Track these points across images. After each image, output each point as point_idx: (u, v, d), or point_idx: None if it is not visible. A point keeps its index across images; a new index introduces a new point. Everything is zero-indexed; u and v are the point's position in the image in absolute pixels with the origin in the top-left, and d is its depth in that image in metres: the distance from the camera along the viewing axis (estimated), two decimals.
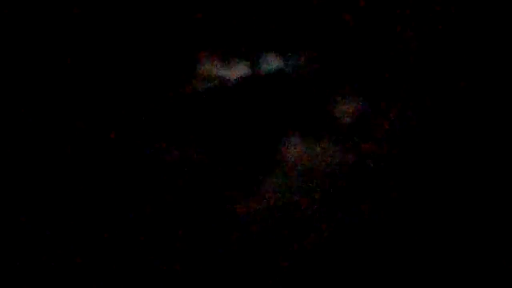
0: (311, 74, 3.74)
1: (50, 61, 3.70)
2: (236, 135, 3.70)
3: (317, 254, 3.52)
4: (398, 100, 3.65)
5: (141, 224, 3.55)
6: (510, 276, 3.42)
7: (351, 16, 3.73)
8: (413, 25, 3.70)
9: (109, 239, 3.53)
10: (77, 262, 3.50)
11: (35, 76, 3.69)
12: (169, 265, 3.50)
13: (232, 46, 3.80)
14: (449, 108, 3.63)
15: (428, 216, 3.53)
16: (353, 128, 3.65)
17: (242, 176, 3.62)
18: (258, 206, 3.57)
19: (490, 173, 3.54)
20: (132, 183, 3.61)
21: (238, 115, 3.73)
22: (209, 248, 3.52)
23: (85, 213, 3.56)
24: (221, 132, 3.70)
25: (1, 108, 3.63)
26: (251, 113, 3.72)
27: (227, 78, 3.79)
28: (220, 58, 3.79)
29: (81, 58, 3.71)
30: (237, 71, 3.79)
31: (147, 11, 3.77)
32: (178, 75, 3.77)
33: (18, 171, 3.59)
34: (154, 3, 3.75)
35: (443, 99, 3.64)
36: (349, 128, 3.65)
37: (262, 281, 3.50)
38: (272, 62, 3.79)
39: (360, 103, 3.67)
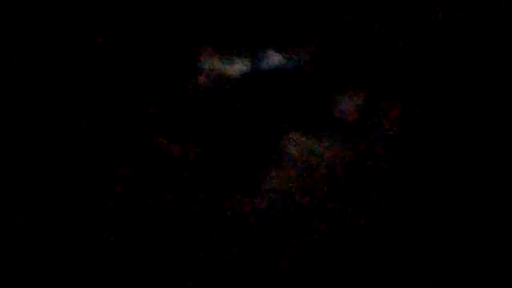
0: (313, 71, 3.72)
1: (49, 56, 3.68)
2: (236, 132, 3.69)
3: (317, 254, 3.52)
4: (399, 99, 3.64)
5: (140, 223, 3.54)
6: (510, 276, 3.43)
7: (353, 14, 3.71)
8: (414, 24, 3.68)
9: (108, 238, 3.53)
10: (76, 261, 3.50)
11: (35, 71, 3.67)
12: (168, 265, 3.51)
13: (232, 42, 3.78)
14: (450, 108, 3.62)
15: (429, 216, 3.54)
16: (354, 127, 3.64)
17: (241, 175, 3.62)
18: (258, 205, 3.57)
19: (491, 173, 3.54)
20: (131, 182, 3.60)
21: (238, 112, 3.72)
22: (209, 248, 3.53)
23: (82, 211, 3.56)
24: (221, 129, 3.69)
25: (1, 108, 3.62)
26: (251, 110, 3.71)
27: (228, 74, 3.77)
28: (220, 54, 3.77)
29: (81, 56, 3.69)
30: (238, 67, 3.77)
31: (147, 6, 3.74)
32: (178, 72, 3.75)
33: (17, 167, 3.58)
34: None
35: (445, 99, 3.64)
36: (350, 126, 3.64)
37: (262, 281, 3.50)
38: (273, 59, 3.77)
39: (362, 101, 3.66)
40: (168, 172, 3.60)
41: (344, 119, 3.66)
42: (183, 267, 3.50)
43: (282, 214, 3.56)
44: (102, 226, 3.52)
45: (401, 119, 3.62)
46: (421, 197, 3.55)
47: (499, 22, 3.65)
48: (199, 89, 3.73)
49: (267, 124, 3.68)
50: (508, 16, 3.65)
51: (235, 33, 3.79)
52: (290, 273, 3.49)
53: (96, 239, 3.51)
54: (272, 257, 3.51)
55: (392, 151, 3.60)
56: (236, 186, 3.58)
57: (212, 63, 3.76)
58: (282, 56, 3.75)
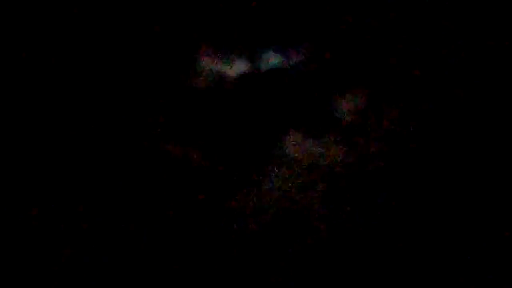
0: (312, 72, 3.72)
1: (48, 56, 3.68)
2: (236, 132, 3.69)
3: (317, 254, 3.52)
4: (399, 100, 3.64)
5: (139, 223, 3.54)
6: (510, 276, 3.43)
7: (352, 15, 3.71)
8: (414, 25, 3.68)
9: (108, 238, 3.52)
10: (75, 260, 3.50)
11: (34, 72, 3.67)
12: (168, 264, 3.50)
13: (232, 42, 3.78)
14: (450, 108, 3.62)
15: (429, 216, 3.54)
16: (354, 127, 3.64)
17: (241, 175, 3.61)
18: (257, 205, 3.57)
19: (491, 174, 3.54)
20: (130, 181, 3.60)
21: (238, 112, 3.72)
22: (209, 248, 3.52)
23: (83, 211, 3.55)
24: (220, 129, 3.69)
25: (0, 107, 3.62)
26: (251, 111, 3.70)
27: (227, 74, 3.77)
28: (220, 54, 3.77)
29: (80, 55, 3.69)
30: (238, 68, 3.77)
31: (147, 6, 3.74)
32: (178, 72, 3.75)
33: (18, 168, 3.58)
34: None
35: (445, 99, 3.64)
36: (350, 127, 3.64)
37: (262, 280, 3.50)
38: (272, 59, 3.77)
39: (362, 102, 3.66)
40: (169, 172, 3.60)
41: (344, 119, 3.66)
42: (184, 266, 3.49)
43: (282, 214, 3.55)
44: (103, 226, 3.52)
45: (401, 119, 3.62)
46: (421, 197, 3.54)
47: (498, 22, 3.65)
48: (200, 89, 3.73)
49: (268, 124, 3.68)
50: (508, 16, 3.65)
51: (235, 34, 3.79)
52: (290, 272, 3.49)
53: (97, 238, 3.51)
54: (272, 257, 3.50)
55: (391, 151, 3.60)
56: (237, 186, 3.58)
57: (213, 64, 3.76)
58: (282, 56, 3.75)
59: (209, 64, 3.76)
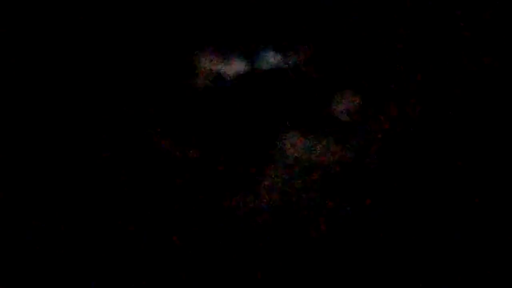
0: (311, 71, 3.72)
1: (47, 55, 3.67)
2: (234, 132, 3.69)
3: (316, 253, 3.53)
4: (399, 99, 3.65)
5: (139, 223, 3.54)
6: (510, 276, 3.45)
7: (351, 14, 3.71)
8: (413, 25, 3.69)
9: (107, 238, 3.52)
10: (75, 260, 3.50)
11: (34, 71, 3.66)
12: (167, 265, 3.50)
13: (230, 42, 3.78)
14: (450, 108, 3.63)
15: (428, 214, 3.55)
16: (353, 127, 3.65)
17: (240, 175, 3.62)
18: (256, 205, 3.57)
19: (491, 173, 3.56)
20: (128, 181, 3.60)
21: (236, 112, 3.72)
22: (208, 248, 3.53)
23: (81, 212, 3.55)
24: (220, 129, 3.69)
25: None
26: (250, 111, 3.71)
27: (225, 74, 3.76)
28: (218, 54, 3.77)
29: (79, 55, 3.68)
30: (236, 67, 3.77)
31: (145, 6, 3.73)
32: (177, 72, 3.75)
33: (17, 168, 3.58)
34: None
35: (444, 99, 3.65)
36: (349, 127, 3.65)
37: (262, 280, 3.51)
38: (271, 59, 3.77)
39: (360, 101, 3.66)
40: (168, 172, 3.60)
41: (343, 119, 3.66)
42: (182, 267, 3.49)
43: (282, 214, 3.56)
44: (101, 227, 3.51)
45: (401, 119, 3.63)
46: (421, 197, 3.55)
47: (498, 22, 3.66)
48: (198, 89, 3.73)
49: (266, 124, 3.68)
50: (507, 16, 3.66)
51: (233, 33, 3.78)
52: (290, 272, 3.49)
53: (95, 239, 3.51)
54: (272, 257, 3.51)
55: (391, 151, 3.61)
56: (236, 186, 3.58)
57: (210, 63, 3.75)
58: (281, 56, 3.75)
59: (207, 63, 3.76)
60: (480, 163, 3.56)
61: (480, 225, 3.51)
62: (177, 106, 3.69)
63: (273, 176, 3.60)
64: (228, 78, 3.74)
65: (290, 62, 3.75)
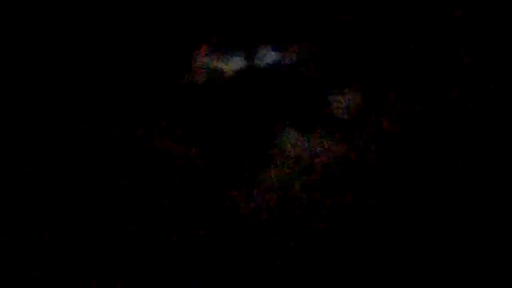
0: (310, 70, 3.72)
1: (47, 55, 3.65)
2: (233, 129, 3.68)
3: (316, 252, 3.53)
4: (398, 99, 3.65)
5: (139, 223, 3.53)
6: (510, 276, 3.46)
7: (350, 14, 3.70)
8: (411, 23, 3.68)
9: (108, 239, 3.51)
10: (75, 260, 3.49)
11: (33, 70, 3.64)
12: (168, 264, 3.50)
13: (228, 39, 3.77)
14: (449, 107, 3.64)
15: (427, 213, 3.55)
16: (353, 126, 3.65)
17: (240, 174, 3.61)
18: (256, 204, 3.57)
19: (490, 173, 3.56)
20: (128, 180, 3.58)
21: (234, 109, 3.71)
22: (208, 247, 3.52)
23: (82, 212, 3.54)
24: (218, 128, 3.68)
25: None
26: (249, 109, 3.70)
27: (223, 71, 3.75)
28: (216, 51, 3.75)
29: (77, 53, 3.66)
30: (233, 64, 3.76)
31: (144, 4, 3.71)
32: (174, 68, 3.73)
33: (17, 168, 3.56)
34: None
35: (443, 98, 3.65)
36: (349, 126, 3.65)
37: (262, 279, 3.51)
38: (268, 56, 3.76)
39: (360, 100, 3.66)
40: (168, 172, 3.58)
41: (343, 118, 3.66)
42: (183, 265, 3.49)
43: (282, 213, 3.56)
44: (101, 227, 3.50)
45: (400, 119, 3.63)
46: (420, 197, 3.56)
47: (497, 22, 3.66)
48: (197, 87, 3.72)
49: (266, 123, 3.67)
50: (507, 17, 3.66)
51: (231, 30, 3.77)
52: (290, 270, 3.50)
53: (95, 239, 3.50)
54: (272, 255, 3.51)
55: (391, 151, 3.61)
56: (236, 186, 3.58)
57: (209, 62, 3.74)
58: (280, 54, 3.74)
59: (206, 60, 3.74)
60: (480, 163, 3.57)
61: (480, 225, 3.52)
62: (176, 105, 3.68)
63: (273, 176, 3.59)
64: (226, 75, 3.73)
65: (289, 61, 3.74)
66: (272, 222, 3.54)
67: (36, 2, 3.65)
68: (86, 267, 3.47)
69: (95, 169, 3.58)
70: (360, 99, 3.67)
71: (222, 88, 3.73)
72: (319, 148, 3.63)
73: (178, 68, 3.74)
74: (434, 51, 3.68)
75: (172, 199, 3.56)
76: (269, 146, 3.64)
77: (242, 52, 3.76)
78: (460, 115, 3.63)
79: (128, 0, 3.71)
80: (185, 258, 3.49)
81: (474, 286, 3.45)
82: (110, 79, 3.67)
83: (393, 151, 3.62)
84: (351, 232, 3.54)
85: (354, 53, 3.70)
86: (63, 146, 3.58)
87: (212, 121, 3.68)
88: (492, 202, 3.55)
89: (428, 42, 3.68)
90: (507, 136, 3.59)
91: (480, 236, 3.51)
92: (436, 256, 3.51)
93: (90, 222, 3.51)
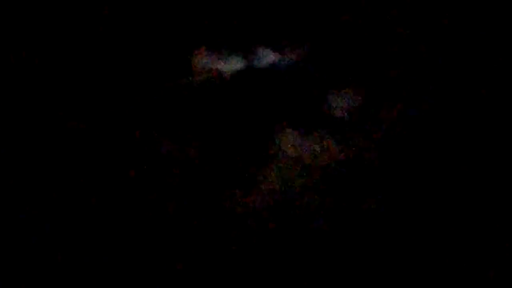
0: (310, 70, 3.71)
1: (47, 55, 3.65)
2: (232, 129, 3.68)
3: (316, 252, 3.52)
4: (398, 99, 3.65)
5: (138, 223, 3.52)
6: (510, 276, 3.46)
7: (349, 12, 3.70)
8: (411, 23, 3.68)
9: (107, 238, 3.51)
10: (75, 261, 3.48)
11: (33, 70, 3.64)
12: (168, 264, 3.49)
13: (227, 40, 3.76)
14: (449, 107, 3.64)
15: (427, 213, 3.55)
16: (353, 126, 3.64)
17: (240, 175, 3.61)
18: (256, 204, 3.56)
19: (490, 173, 3.56)
20: (127, 180, 3.58)
21: (233, 109, 3.70)
22: (208, 247, 3.52)
23: (80, 211, 3.53)
24: (216, 126, 3.68)
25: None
26: (246, 108, 3.69)
27: (222, 71, 3.75)
28: (215, 51, 3.75)
29: (77, 53, 3.66)
30: (232, 65, 3.76)
31: (143, 4, 3.71)
32: (173, 69, 3.73)
33: (17, 168, 3.56)
34: None
35: (443, 98, 3.65)
36: (349, 126, 3.64)
37: (262, 279, 3.50)
38: (267, 56, 3.75)
39: (360, 101, 3.66)
40: (168, 172, 3.58)
41: (342, 118, 3.66)
42: (183, 266, 3.48)
43: (281, 213, 3.56)
44: (102, 226, 3.50)
45: (400, 118, 3.63)
46: (420, 196, 3.56)
47: (498, 20, 3.66)
48: (195, 88, 3.72)
49: (265, 123, 3.67)
50: (506, 18, 3.66)
51: (230, 31, 3.77)
52: (290, 270, 3.49)
53: (95, 239, 3.49)
54: (272, 255, 3.51)
55: (391, 151, 3.61)
56: (236, 186, 3.57)
57: (208, 62, 3.74)
58: (278, 55, 3.74)
59: (205, 60, 3.74)
60: (480, 162, 3.57)
61: (480, 225, 3.52)
62: (176, 105, 3.67)
63: (273, 176, 3.59)
64: (225, 75, 3.73)
65: (288, 61, 3.74)
66: (272, 222, 3.54)
67: (36, 2, 3.65)
68: (86, 267, 3.47)
69: (95, 169, 3.57)
70: (360, 99, 3.66)
71: (222, 88, 3.73)
72: (319, 148, 3.62)
73: (178, 68, 3.73)
74: (434, 51, 3.68)
75: (172, 199, 3.55)
76: (269, 146, 3.63)
77: (241, 52, 3.75)
78: (460, 115, 3.63)
79: (128, 0, 3.71)
80: (185, 258, 3.49)
81: (474, 286, 3.45)
82: (109, 79, 3.67)
83: (393, 151, 3.61)
84: (351, 232, 3.54)
85: (354, 53, 3.70)
86: (63, 146, 3.58)
87: (212, 121, 3.68)
88: (492, 202, 3.54)
89: (428, 42, 3.68)
90: (507, 136, 3.59)
91: (480, 236, 3.51)
92: (436, 256, 3.51)
93: (90, 222, 3.51)
